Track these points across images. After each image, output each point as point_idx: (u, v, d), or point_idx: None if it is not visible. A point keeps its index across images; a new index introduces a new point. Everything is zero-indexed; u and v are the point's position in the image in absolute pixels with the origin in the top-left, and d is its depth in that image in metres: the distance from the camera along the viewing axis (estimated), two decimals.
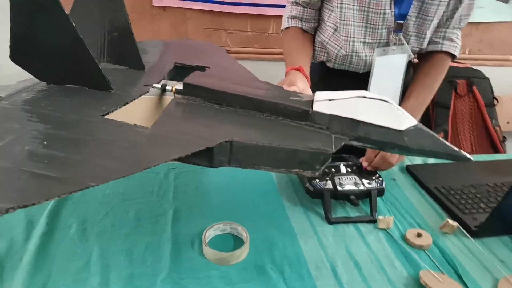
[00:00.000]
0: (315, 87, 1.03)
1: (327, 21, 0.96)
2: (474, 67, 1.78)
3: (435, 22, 0.90)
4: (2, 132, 0.49)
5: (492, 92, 1.77)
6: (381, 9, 0.87)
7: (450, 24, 0.92)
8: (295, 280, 0.59)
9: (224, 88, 0.62)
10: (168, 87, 0.66)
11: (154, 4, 1.53)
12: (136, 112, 0.62)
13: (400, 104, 0.93)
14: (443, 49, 0.94)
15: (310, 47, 0.98)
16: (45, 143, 0.48)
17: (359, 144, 0.58)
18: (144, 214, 0.71)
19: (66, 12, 0.54)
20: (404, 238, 0.70)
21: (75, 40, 0.57)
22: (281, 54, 1.75)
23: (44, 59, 0.61)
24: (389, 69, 0.93)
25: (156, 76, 0.72)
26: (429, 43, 0.94)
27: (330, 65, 0.99)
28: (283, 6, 1.56)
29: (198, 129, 0.55)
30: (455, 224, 0.72)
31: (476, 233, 0.71)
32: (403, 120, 0.56)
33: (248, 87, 0.64)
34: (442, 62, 0.95)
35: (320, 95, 0.60)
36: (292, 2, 0.98)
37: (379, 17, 0.88)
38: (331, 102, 0.58)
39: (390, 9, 0.87)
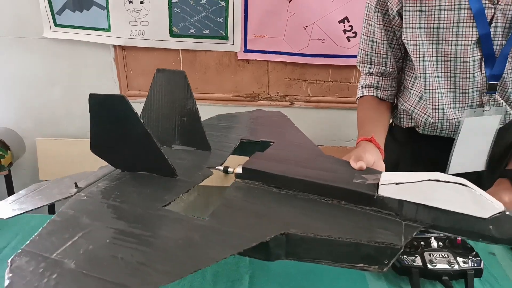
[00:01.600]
0: (403, 150, 1.01)
1: (411, 88, 0.95)
2: None
3: None
4: (75, 228, 0.54)
5: None
6: (469, 73, 0.84)
7: None
8: None
9: (283, 172, 0.63)
10: (230, 169, 0.71)
11: (239, 58, 1.65)
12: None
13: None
14: None
15: (386, 115, 0.97)
16: (107, 241, 0.52)
17: (436, 231, 0.54)
18: (221, 277, 0.74)
19: (135, 111, 0.61)
20: None
21: (144, 135, 0.63)
22: None
23: (118, 151, 0.69)
24: (480, 131, 0.88)
25: (221, 156, 0.77)
26: None
27: (419, 131, 0.97)
28: None
29: (254, 220, 0.55)
30: None
31: None
32: (487, 206, 0.51)
33: (309, 169, 0.64)
34: None
35: (386, 177, 0.58)
36: (366, 73, 0.98)
37: (468, 81, 0.86)
38: (399, 186, 0.55)
39: (480, 71, 0.84)
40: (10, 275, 0.47)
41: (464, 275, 0.71)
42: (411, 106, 0.95)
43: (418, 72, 0.88)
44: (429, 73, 0.87)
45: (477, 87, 0.86)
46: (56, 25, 1.63)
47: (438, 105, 0.89)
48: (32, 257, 0.49)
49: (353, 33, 1.56)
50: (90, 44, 1.65)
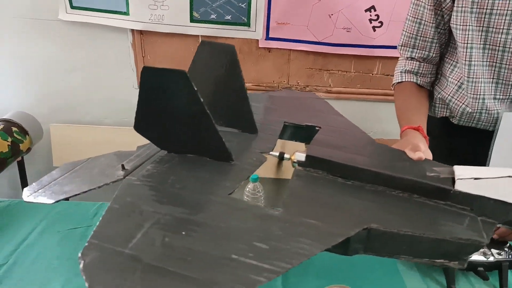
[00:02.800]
0: (435, 142, 1.00)
1: (448, 76, 0.94)
2: None
3: None
4: (139, 217, 0.52)
5: None
6: None
7: None
8: None
9: (349, 161, 0.62)
10: (286, 156, 0.69)
11: (260, 46, 1.66)
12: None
13: None
14: None
15: (427, 103, 0.96)
16: (183, 233, 0.49)
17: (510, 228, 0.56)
18: None
19: (195, 88, 0.57)
20: None
21: (202, 115, 0.60)
22: (385, 95, 1.75)
23: (167, 131, 0.65)
24: None
25: (269, 140, 0.74)
26: None
27: (454, 121, 0.97)
28: (392, 47, 1.58)
29: (329, 212, 0.54)
30: None
31: None
32: None
33: (372, 158, 0.64)
34: None
35: (462, 171, 0.58)
36: (407, 57, 0.97)
37: None
38: (478, 181, 0.56)
39: None
40: (87, 274, 0.43)
41: (498, 266, 0.73)
42: (449, 95, 0.94)
43: (463, 59, 0.87)
44: (474, 61, 0.86)
45: None
46: (72, 7, 1.63)
47: (479, 94, 0.88)
48: (104, 251, 0.46)
49: (379, 22, 1.56)
50: (107, 28, 1.66)
